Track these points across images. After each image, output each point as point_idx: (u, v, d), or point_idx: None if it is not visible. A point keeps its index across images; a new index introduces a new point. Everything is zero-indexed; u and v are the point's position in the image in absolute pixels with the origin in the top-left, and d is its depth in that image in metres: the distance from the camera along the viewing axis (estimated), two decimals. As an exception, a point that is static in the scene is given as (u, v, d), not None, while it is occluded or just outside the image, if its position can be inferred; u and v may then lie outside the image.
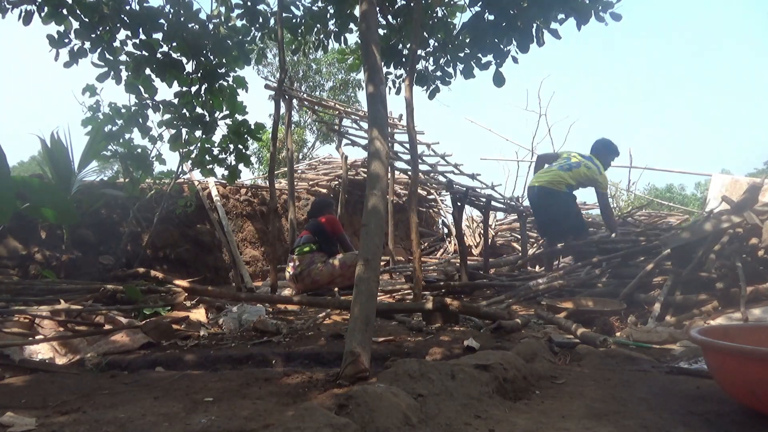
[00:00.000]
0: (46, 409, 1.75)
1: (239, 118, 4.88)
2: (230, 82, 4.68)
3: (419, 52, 4.64)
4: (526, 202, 9.23)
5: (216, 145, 5.08)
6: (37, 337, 2.81)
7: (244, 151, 5.09)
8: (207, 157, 5.04)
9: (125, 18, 4.03)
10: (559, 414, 1.58)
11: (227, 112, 4.82)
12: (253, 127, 4.99)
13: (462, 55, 4.49)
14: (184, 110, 4.71)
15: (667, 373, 2.09)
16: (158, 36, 4.20)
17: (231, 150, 5.06)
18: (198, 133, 4.93)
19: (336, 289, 4.92)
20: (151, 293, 3.91)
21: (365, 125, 8.14)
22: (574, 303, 3.63)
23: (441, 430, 1.45)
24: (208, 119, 4.72)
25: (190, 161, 5.29)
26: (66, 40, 4.06)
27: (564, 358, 2.44)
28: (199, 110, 4.74)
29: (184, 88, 4.53)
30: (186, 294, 3.87)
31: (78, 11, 3.95)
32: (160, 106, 4.65)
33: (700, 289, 3.37)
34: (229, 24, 4.52)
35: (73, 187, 5.30)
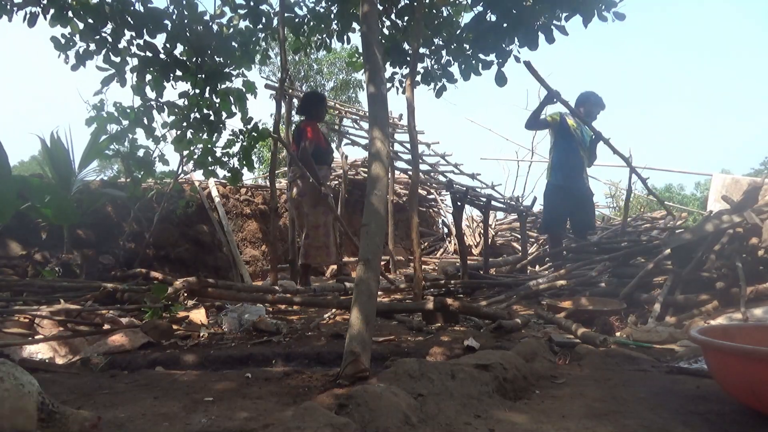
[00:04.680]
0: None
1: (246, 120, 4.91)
2: (240, 86, 4.69)
3: (425, 50, 4.65)
4: (527, 202, 9.25)
5: (219, 146, 5.09)
6: (37, 337, 2.81)
7: (250, 151, 5.10)
8: (209, 158, 5.04)
9: (129, 19, 4.03)
10: (559, 414, 1.58)
11: (234, 113, 4.81)
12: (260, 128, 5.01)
13: (464, 54, 4.50)
14: (189, 111, 4.71)
15: (667, 372, 2.09)
16: (162, 37, 4.21)
17: (234, 153, 5.06)
18: (203, 134, 4.93)
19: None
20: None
21: (365, 125, 8.14)
22: (574, 302, 3.63)
23: (441, 429, 1.45)
24: (213, 120, 4.72)
25: (191, 162, 5.29)
26: (71, 43, 4.06)
27: (564, 357, 2.44)
28: (204, 111, 4.74)
29: (189, 90, 4.53)
30: (186, 293, 3.87)
31: (82, 13, 3.95)
32: (165, 107, 4.65)
33: (700, 289, 3.37)
34: (233, 24, 4.52)
35: (73, 186, 5.30)
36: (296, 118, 5.78)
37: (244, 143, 4.92)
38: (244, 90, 4.69)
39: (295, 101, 6.19)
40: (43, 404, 1.29)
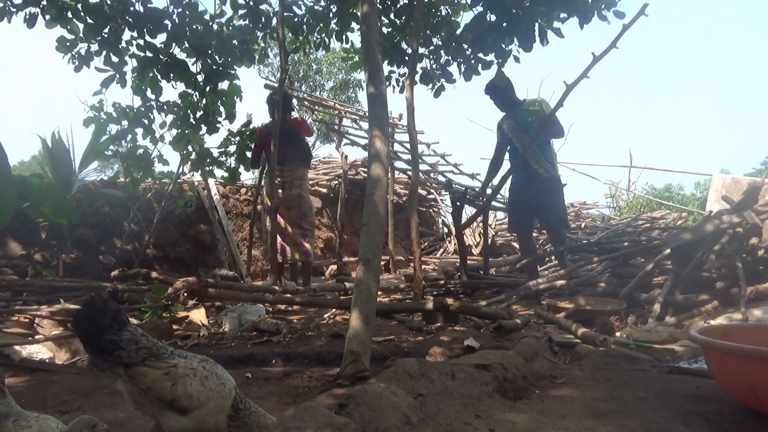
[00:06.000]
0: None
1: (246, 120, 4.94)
2: (227, 89, 4.70)
3: (423, 50, 4.64)
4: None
5: (217, 147, 5.11)
6: (37, 337, 2.81)
7: (245, 151, 5.11)
8: (207, 159, 5.07)
9: (129, 19, 4.03)
10: (559, 413, 1.58)
11: (229, 113, 4.83)
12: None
13: (464, 54, 4.49)
14: (188, 111, 4.71)
15: (667, 372, 2.09)
16: (162, 37, 4.21)
17: (232, 152, 5.07)
18: (201, 134, 4.94)
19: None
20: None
21: (365, 125, 8.14)
22: (574, 303, 3.63)
23: (441, 429, 1.45)
24: (211, 119, 4.73)
25: (189, 162, 5.30)
26: (74, 45, 4.06)
27: (564, 357, 2.44)
28: (202, 111, 4.75)
29: (189, 90, 4.53)
30: (186, 293, 3.87)
31: (82, 13, 3.95)
32: (165, 107, 4.65)
33: (700, 289, 3.37)
34: (232, 24, 4.53)
35: (73, 186, 5.30)
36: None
37: (241, 143, 4.93)
38: (231, 91, 4.71)
39: (295, 102, 6.17)
40: (236, 399, 1.32)
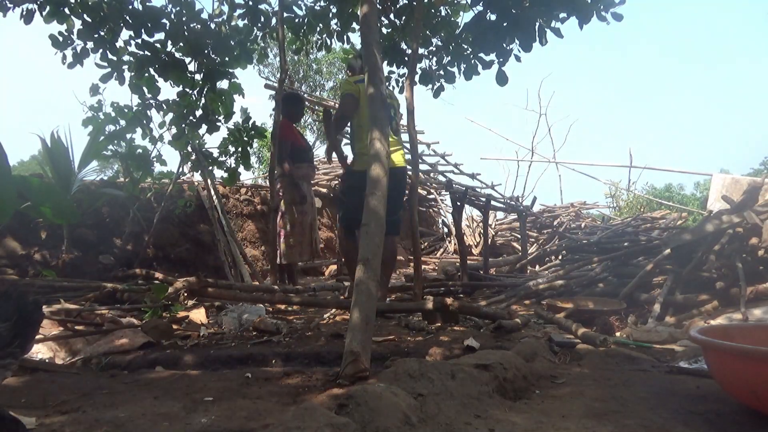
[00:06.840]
0: (46, 409, 1.75)
1: (242, 118, 4.93)
2: (227, 88, 4.70)
3: (423, 51, 4.65)
4: (527, 202, 9.25)
5: (217, 147, 5.12)
6: (37, 337, 2.81)
7: (247, 149, 5.12)
8: (209, 159, 5.08)
9: (128, 18, 4.04)
10: (559, 413, 1.58)
11: (228, 113, 4.83)
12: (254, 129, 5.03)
13: (464, 54, 4.50)
14: (186, 110, 4.72)
15: (667, 372, 2.09)
16: (161, 36, 4.21)
17: (231, 152, 5.08)
18: (200, 132, 4.94)
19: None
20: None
21: (365, 125, 8.13)
22: (574, 302, 3.63)
23: (441, 429, 1.45)
24: (211, 118, 4.74)
25: (189, 162, 5.30)
26: (69, 41, 4.07)
27: (564, 357, 2.44)
28: (201, 110, 4.75)
29: (187, 89, 4.53)
30: (186, 293, 3.87)
31: (80, 10, 3.95)
32: (164, 105, 4.65)
33: (700, 289, 3.38)
34: (231, 23, 4.53)
35: (73, 186, 5.30)
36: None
37: (240, 144, 4.95)
38: (231, 91, 4.71)
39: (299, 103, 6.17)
40: None
